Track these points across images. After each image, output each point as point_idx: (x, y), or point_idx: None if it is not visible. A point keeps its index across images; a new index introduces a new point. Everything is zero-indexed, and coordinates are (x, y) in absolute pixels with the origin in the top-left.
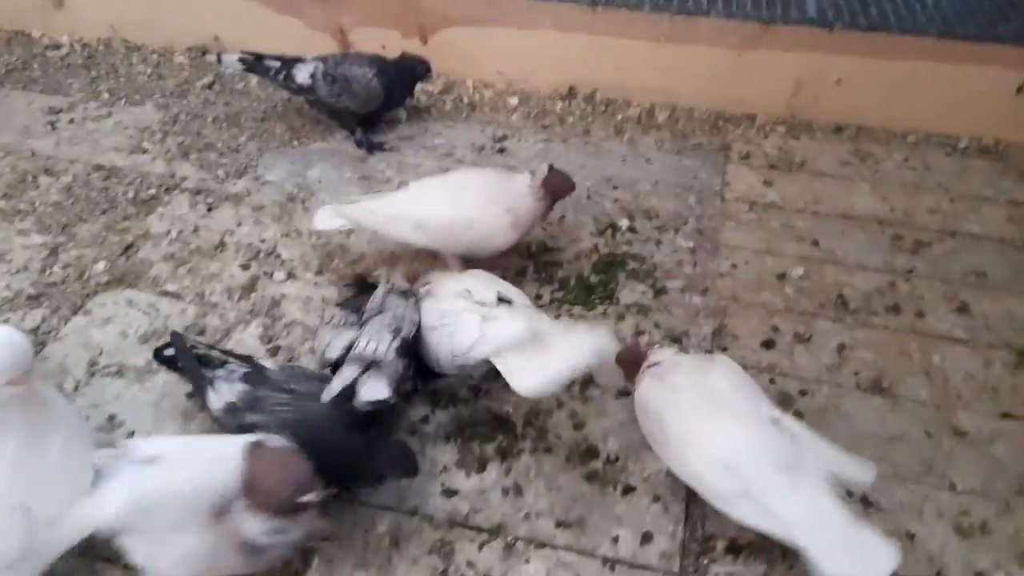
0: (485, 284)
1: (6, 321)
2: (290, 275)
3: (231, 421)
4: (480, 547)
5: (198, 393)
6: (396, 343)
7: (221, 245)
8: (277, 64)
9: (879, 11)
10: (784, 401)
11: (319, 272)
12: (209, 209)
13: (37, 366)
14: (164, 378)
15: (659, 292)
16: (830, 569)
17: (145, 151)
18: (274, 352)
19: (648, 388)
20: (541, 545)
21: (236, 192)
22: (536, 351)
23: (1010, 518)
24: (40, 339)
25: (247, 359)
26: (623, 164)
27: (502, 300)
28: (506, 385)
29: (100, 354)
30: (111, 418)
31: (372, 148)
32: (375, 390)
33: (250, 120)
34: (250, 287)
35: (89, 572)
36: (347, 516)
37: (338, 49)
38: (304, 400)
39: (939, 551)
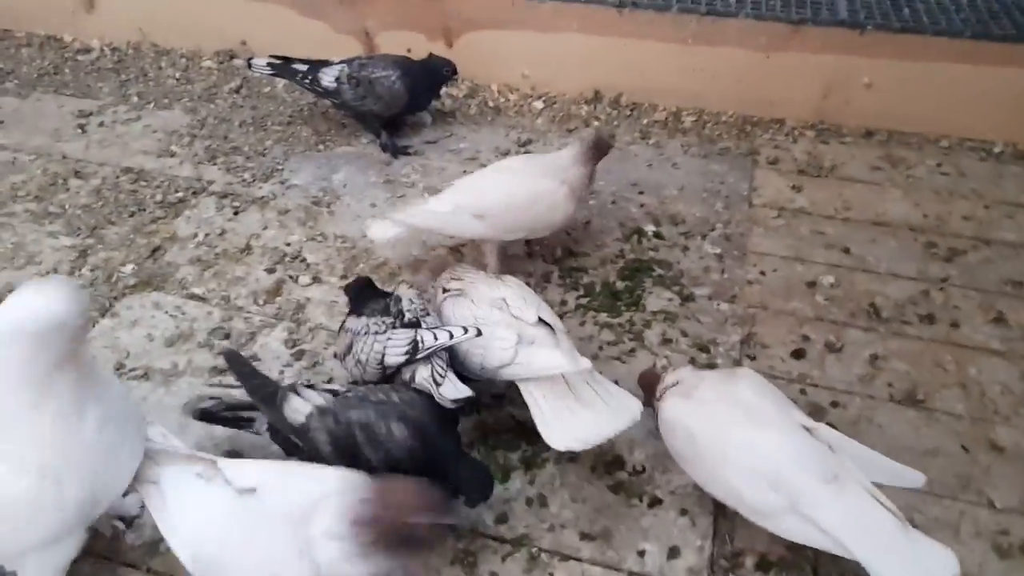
0: (523, 299)
1: None
2: (315, 279)
3: (323, 423)
4: (503, 559)
5: (265, 407)
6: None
7: (247, 248)
8: (304, 68)
9: (912, 12)
10: (815, 412)
11: (344, 276)
12: (235, 212)
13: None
14: (189, 381)
15: (686, 299)
16: None
17: (173, 154)
18: (298, 356)
19: (674, 406)
20: (566, 558)
21: (262, 196)
22: (569, 399)
23: None
24: None
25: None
26: (649, 169)
27: (542, 322)
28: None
29: (127, 357)
30: None
31: (397, 152)
32: (456, 387)
33: (276, 124)
34: (275, 291)
35: None
36: None
37: (364, 52)
38: (401, 407)
39: (977, 571)
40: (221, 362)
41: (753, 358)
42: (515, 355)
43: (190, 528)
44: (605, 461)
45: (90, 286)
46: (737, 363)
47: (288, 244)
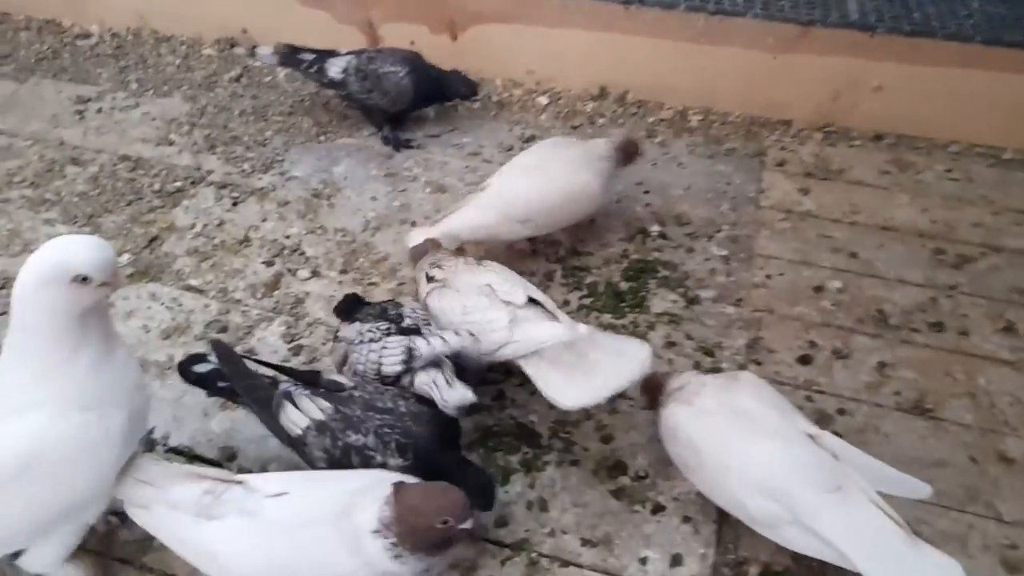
0: (508, 281)
1: None
2: (314, 273)
3: (319, 442)
4: (503, 563)
5: (260, 410)
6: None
7: (245, 240)
8: (311, 57)
9: (923, 15)
10: (821, 420)
11: (343, 271)
12: (234, 203)
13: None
14: None
15: (691, 301)
16: None
17: (172, 143)
18: (296, 351)
19: (675, 413)
20: (566, 564)
21: (262, 187)
22: (573, 361)
23: None
24: None
25: (303, 375)
26: (654, 168)
27: (531, 301)
28: (533, 392)
29: None
30: None
31: (399, 145)
32: (462, 394)
33: (277, 114)
34: (274, 284)
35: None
36: None
37: (367, 43)
38: (405, 421)
39: None
40: None
41: (759, 363)
42: (510, 334)
43: (230, 551)
44: (607, 466)
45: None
46: (742, 367)
47: (287, 237)
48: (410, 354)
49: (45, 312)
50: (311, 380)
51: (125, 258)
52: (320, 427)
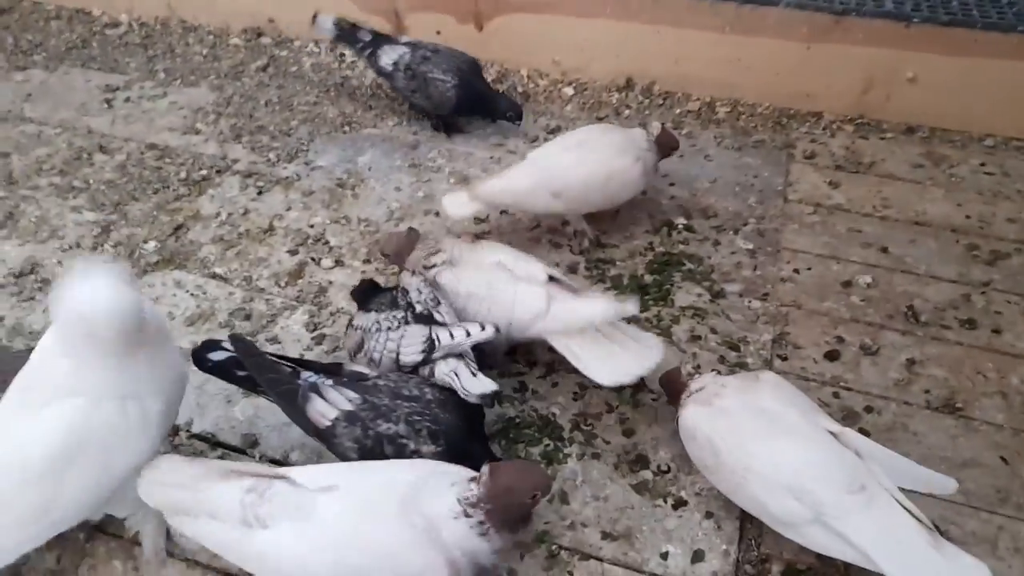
0: (520, 259)
1: None
2: (338, 262)
3: (350, 432)
4: (522, 555)
5: (284, 403)
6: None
7: (270, 229)
8: (368, 38)
9: (961, 4)
10: (848, 417)
11: (367, 260)
12: (259, 192)
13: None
14: None
15: (716, 295)
16: None
17: (198, 132)
18: (319, 340)
19: (694, 414)
20: (586, 556)
21: (286, 176)
22: (603, 342)
23: None
24: None
25: (324, 367)
26: (680, 160)
27: (552, 279)
28: (556, 384)
29: None
30: None
31: (450, 130)
32: (482, 384)
33: (302, 104)
34: (297, 273)
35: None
36: None
37: (393, 33)
38: (433, 408)
39: None
40: None
41: (785, 358)
42: (547, 308)
43: (292, 560)
44: (629, 460)
45: (112, 262)
46: (768, 363)
47: (311, 226)
48: (432, 345)
49: (79, 343)
50: (333, 371)
51: (151, 245)
52: (350, 417)
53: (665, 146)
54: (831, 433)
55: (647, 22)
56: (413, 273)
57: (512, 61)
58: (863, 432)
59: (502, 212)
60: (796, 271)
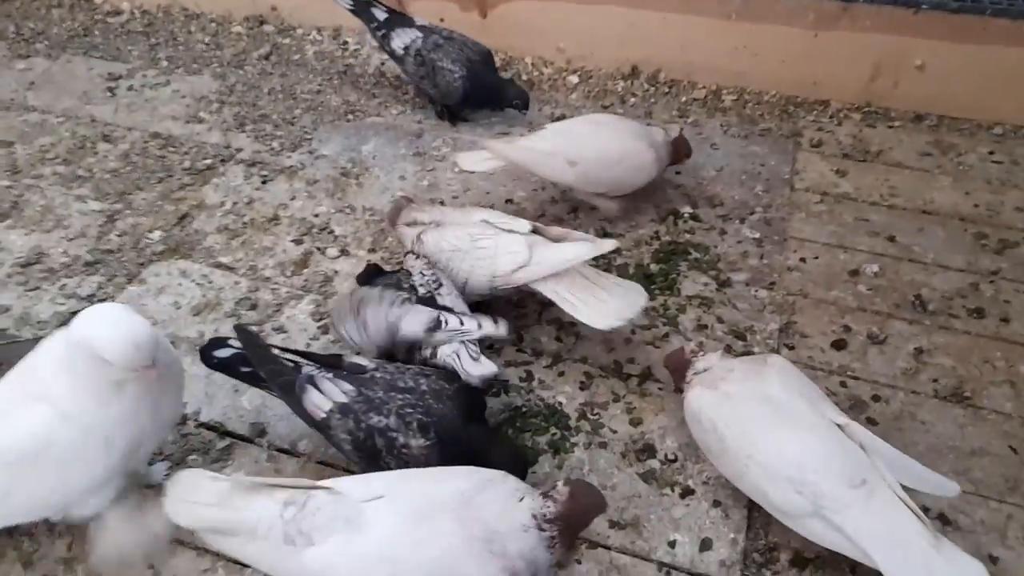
0: (504, 216)
1: (62, 288)
2: (343, 251)
3: (343, 424)
4: None
5: (284, 395)
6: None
7: (275, 218)
8: (382, 18)
9: None
10: (856, 406)
11: (372, 249)
12: (264, 181)
13: (162, 342)
14: None
15: (723, 284)
16: None
17: (202, 120)
18: (325, 330)
19: (699, 397)
20: (594, 545)
21: (291, 165)
22: (592, 288)
23: None
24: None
25: (325, 358)
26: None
27: (536, 232)
28: (562, 373)
29: (153, 324)
30: None
31: (454, 118)
32: (484, 367)
33: (305, 92)
34: (303, 262)
35: None
36: None
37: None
38: (426, 399)
39: None
40: None
41: (792, 347)
42: (528, 256)
43: (346, 570)
44: (636, 449)
45: (117, 251)
46: (775, 352)
47: (316, 215)
48: (437, 324)
49: (79, 361)
50: (333, 363)
51: (156, 235)
52: (343, 410)
53: (679, 151)
54: (837, 425)
55: (653, 9)
56: (417, 256)
57: (516, 48)
58: (871, 421)
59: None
60: (803, 260)
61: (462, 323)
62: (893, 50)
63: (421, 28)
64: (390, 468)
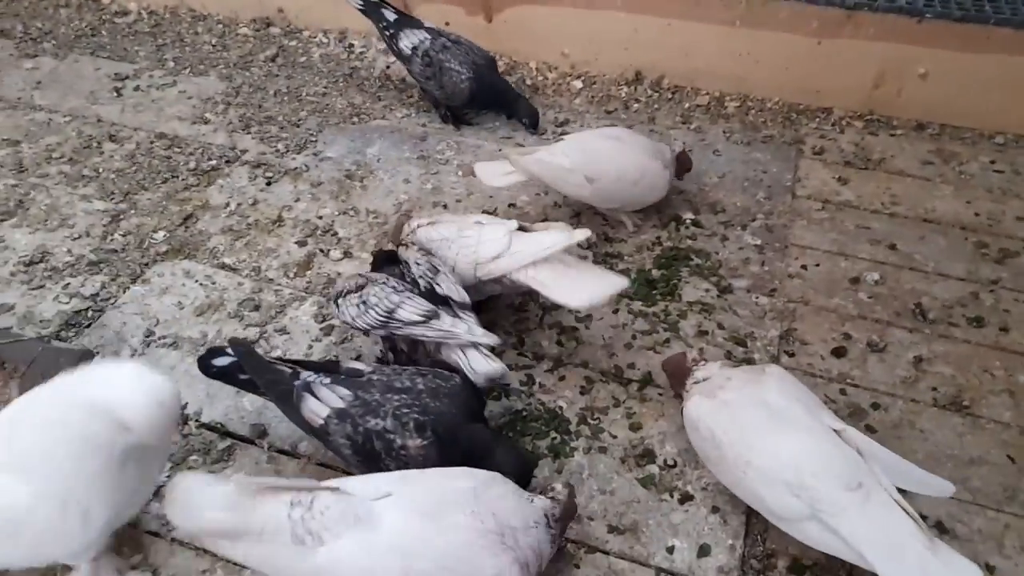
0: (495, 218)
1: (66, 287)
2: (346, 253)
3: (341, 429)
4: None
5: (282, 404)
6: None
7: (279, 220)
8: (391, 19)
9: (974, 1)
10: (855, 414)
11: (374, 252)
12: (268, 183)
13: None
14: None
15: (724, 291)
16: None
17: (207, 121)
18: (328, 331)
19: (698, 405)
20: (592, 550)
21: (295, 167)
22: (570, 271)
23: None
24: (99, 306)
25: (322, 365)
26: (689, 155)
27: (522, 229)
28: (563, 378)
29: (156, 324)
30: None
31: (458, 122)
32: (490, 363)
33: (311, 94)
34: (306, 264)
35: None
36: None
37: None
38: (423, 398)
39: None
40: (251, 334)
41: (792, 354)
42: (509, 243)
43: (358, 568)
44: (635, 454)
45: (122, 251)
46: (775, 359)
47: (320, 217)
48: (431, 317)
49: (88, 424)
50: (331, 368)
51: (161, 235)
52: (341, 415)
53: (681, 167)
54: (834, 430)
55: (657, 15)
56: (408, 247)
57: (521, 53)
58: (870, 429)
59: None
60: (804, 267)
61: (454, 325)
62: (896, 58)
63: (429, 30)
64: (391, 470)
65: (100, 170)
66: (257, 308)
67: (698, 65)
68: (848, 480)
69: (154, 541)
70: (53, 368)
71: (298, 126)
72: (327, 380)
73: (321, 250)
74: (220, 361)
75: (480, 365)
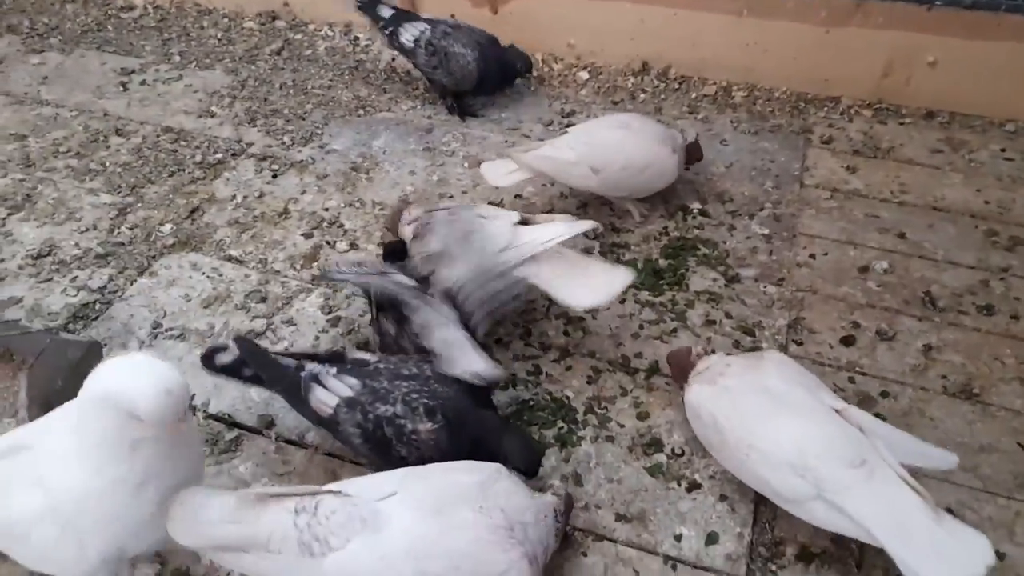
0: (495, 208)
1: (73, 280)
2: (352, 245)
3: (351, 418)
4: None
5: (290, 398)
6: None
7: (285, 212)
8: (388, 15)
9: None
10: (864, 402)
11: (381, 243)
12: (274, 176)
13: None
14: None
15: (731, 280)
16: (919, 570)
17: (213, 115)
18: (334, 323)
19: (699, 392)
20: (600, 538)
21: (301, 159)
22: (575, 268)
23: None
24: (107, 298)
25: (328, 356)
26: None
27: (524, 222)
28: (569, 368)
29: (164, 316)
30: None
31: (464, 114)
32: (483, 367)
33: (317, 87)
34: (312, 256)
35: None
36: None
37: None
38: (431, 383)
39: None
40: (258, 326)
41: (800, 343)
42: (512, 238)
43: (370, 571)
44: (643, 443)
45: (129, 244)
46: (783, 348)
47: (326, 209)
48: (415, 296)
49: (100, 425)
50: (337, 359)
51: (168, 228)
52: (350, 403)
53: (691, 155)
54: (835, 410)
55: (663, 5)
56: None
57: (527, 44)
58: (879, 417)
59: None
60: (812, 256)
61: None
62: (905, 47)
63: (427, 21)
64: (402, 456)
65: (107, 164)
66: (264, 300)
67: (705, 55)
68: (851, 458)
69: None
70: (61, 360)
71: (304, 119)
72: (334, 370)
73: (327, 242)
74: (223, 357)
75: (473, 365)
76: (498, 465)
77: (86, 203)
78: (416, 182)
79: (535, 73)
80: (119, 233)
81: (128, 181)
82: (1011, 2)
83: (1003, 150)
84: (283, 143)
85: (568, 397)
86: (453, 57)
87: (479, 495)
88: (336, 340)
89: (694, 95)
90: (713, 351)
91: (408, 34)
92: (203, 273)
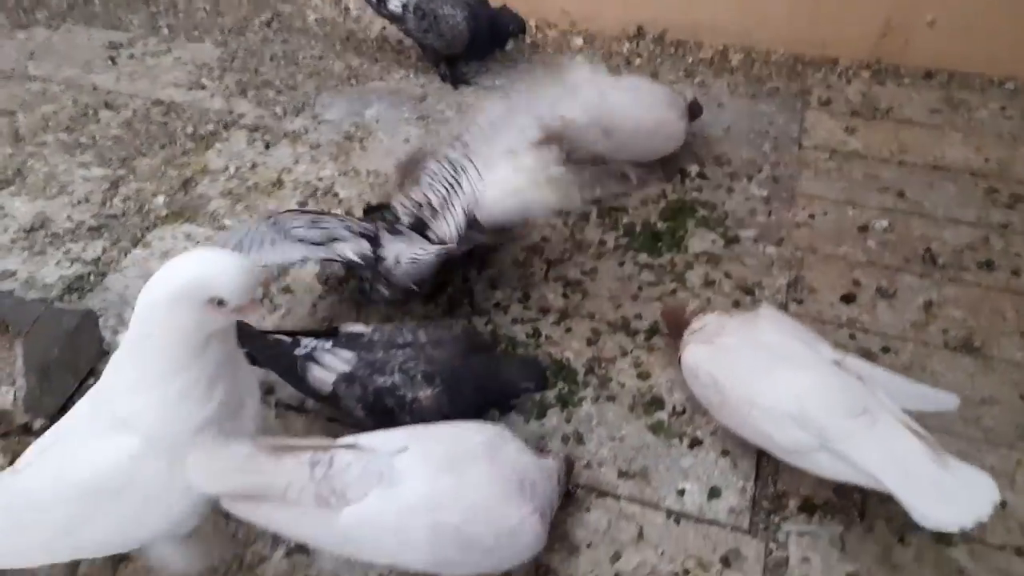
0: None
1: (67, 252)
2: (348, 214)
3: (351, 392)
4: None
5: (287, 377)
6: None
7: (278, 182)
8: None
9: None
10: (865, 358)
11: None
12: (267, 146)
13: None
14: None
15: (730, 241)
16: (928, 512)
17: (204, 87)
18: (331, 291)
19: (695, 352)
20: (603, 494)
21: (294, 130)
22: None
23: None
24: (101, 270)
25: (322, 332)
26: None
27: None
28: (569, 329)
29: None
30: None
31: (457, 82)
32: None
33: (308, 58)
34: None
35: None
36: None
37: None
38: (427, 349)
39: None
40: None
41: (800, 302)
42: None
43: (392, 532)
44: (644, 402)
45: (122, 216)
46: (783, 307)
47: (320, 179)
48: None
49: (169, 329)
50: (330, 333)
51: (160, 200)
52: (348, 378)
53: (693, 113)
54: (833, 361)
55: None
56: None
57: (520, 11)
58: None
59: None
60: (811, 216)
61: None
62: (903, 6)
63: None
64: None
65: (97, 137)
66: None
67: (701, 18)
68: (852, 407)
69: None
70: (57, 329)
71: (295, 89)
72: (328, 345)
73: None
74: None
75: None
76: (502, 427)
77: (77, 176)
78: (410, 151)
79: (528, 39)
80: (112, 206)
81: (119, 154)
82: None
83: (1003, 108)
84: (275, 114)
85: (568, 359)
86: (442, 19)
87: (489, 452)
88: (332, 307)
89: (690, 59)
90: (708, 310)
91: (396, 1)
92: (197, 243)
